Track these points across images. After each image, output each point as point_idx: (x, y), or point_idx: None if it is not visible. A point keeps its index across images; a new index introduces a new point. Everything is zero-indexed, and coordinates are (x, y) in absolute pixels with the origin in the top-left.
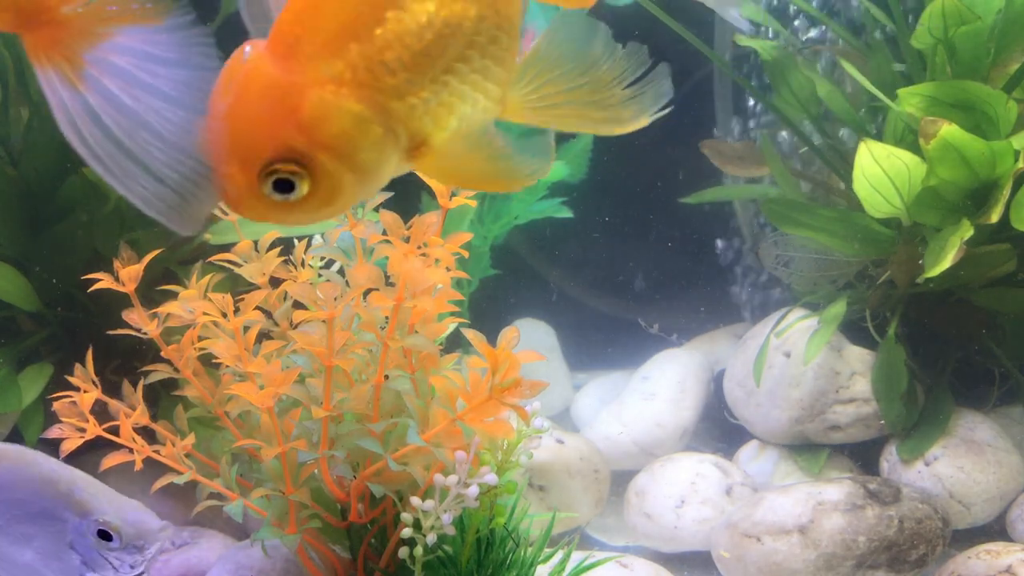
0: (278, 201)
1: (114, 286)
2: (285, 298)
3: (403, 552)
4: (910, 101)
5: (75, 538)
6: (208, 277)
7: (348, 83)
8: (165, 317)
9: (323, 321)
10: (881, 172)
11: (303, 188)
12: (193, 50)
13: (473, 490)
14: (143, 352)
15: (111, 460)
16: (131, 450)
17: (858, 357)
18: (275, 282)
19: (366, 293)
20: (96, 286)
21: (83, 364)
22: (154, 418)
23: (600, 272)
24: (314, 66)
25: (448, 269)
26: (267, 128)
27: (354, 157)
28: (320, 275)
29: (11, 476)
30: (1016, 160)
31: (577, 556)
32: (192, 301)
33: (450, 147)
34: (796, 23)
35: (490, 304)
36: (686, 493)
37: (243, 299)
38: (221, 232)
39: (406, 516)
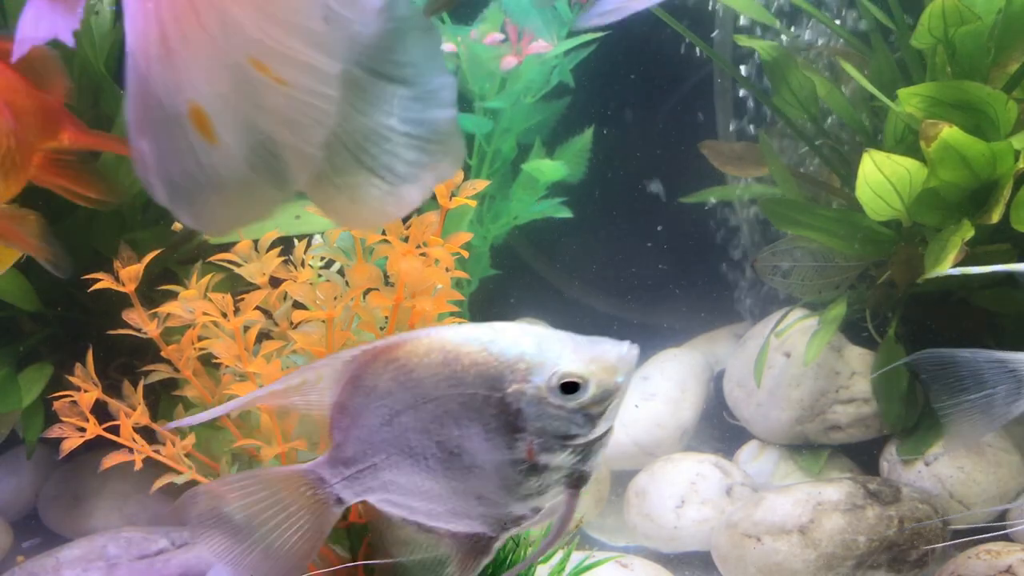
0: None
1: (114, 286)
2: (285, 298)
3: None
4: (910, 101)
5: (524, 408)
6: (208, 277)
7: None
8: (165, 317)
9: (323, 321)
10: (883, 178)
11: None
12: None
13: None
14: (143, 352)
15: (111, 460)
16: (131, 450)
17: (858, 357)
18: (275, 282)
19: (366, 293)
20: (96, 286)
21: (83, 364)
22: (154, 418)
23: (600, 272)
24: None
25: (448, 269)
26: None
27: None
28: (320, 275)
29: (425, 374)
30: (1016, 160)
31: (577, 556)
32: (192, 301)
33: None
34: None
35: (490, 304)
36: (686, 493)
37: (243, 299)
38: None
39: None
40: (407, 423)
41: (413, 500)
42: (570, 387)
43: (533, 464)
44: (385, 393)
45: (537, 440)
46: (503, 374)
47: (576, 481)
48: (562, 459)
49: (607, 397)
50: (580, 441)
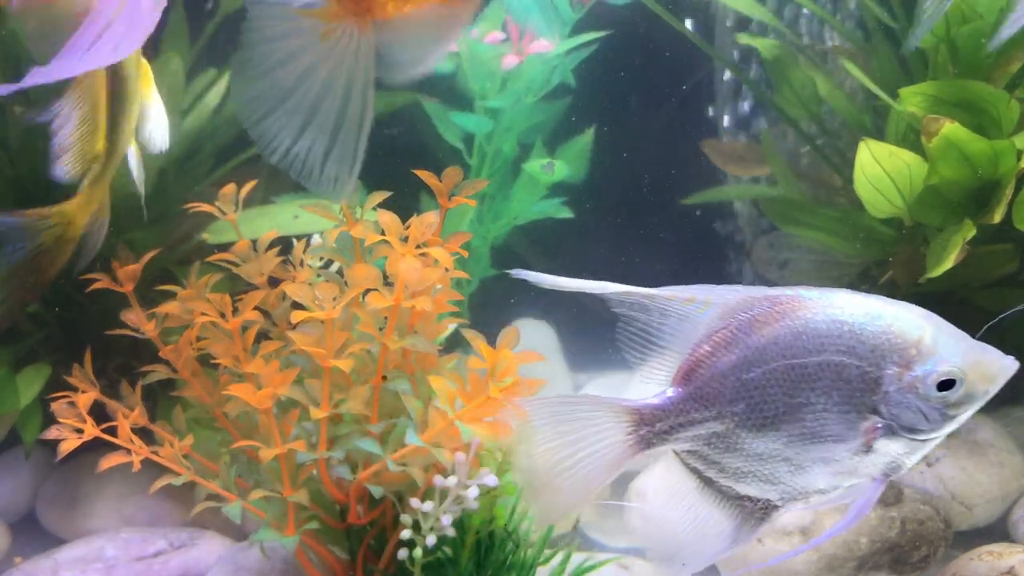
0: None
1: (112, 286)
2: (284, 298)
3: (402, 553)
4: (912, 100)
5: (891, 392)
6: (206, 277)
7: None
8: (163, 317)
9: (321, 321)
10: (882, 172)
11: None
12: None
13: (473, 491)
14: (142, 352)
15: (109, 461)
16: (129, 451)
17: None
18: (274, 282)
19: (365, 293)
20: (94, 286)
21: (81, 364)
22: (152, 419)
23: (600, 272)
24: None
25: (447, 269)
26: None
27: None
28: (319, 275)
29: (814, 334)
30: (1018, 160)
31: (578, 557)
32: (190, 301)
33: None
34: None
35: (490, 304)
36: None
37: (241, 299)
38: (219, 232)
39: (405, 517)
40: (774, 378)
41: (729, 457)
42: (945, 384)
43: (867, 446)
44: (765, 343)
45: (883, 424)
46: (891, 354)
47: (890, 472)
48: (894, 448)
49: (970, 402)
50: (920, 437)
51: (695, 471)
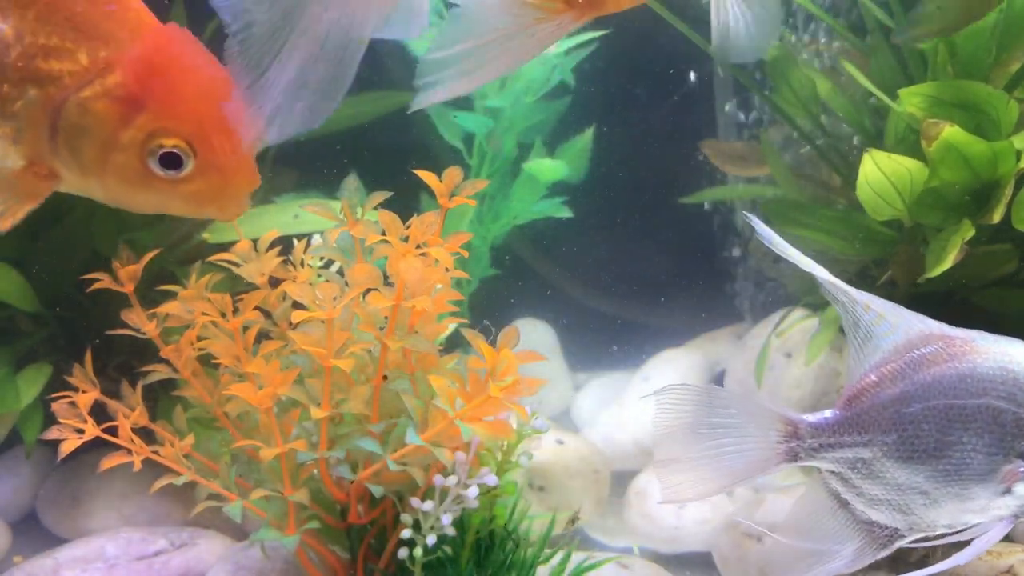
0: None
1: (113, 286)
2: (284, 298)
3: (403, 553)
4: (911, 101)
5: None
6: (207, 277)
7: None
8: (164, 317)
9: (322, 321)
10: (883, 177)
11: None
12: None
13: (473, 491)
14: (142, 352)
15: (110, 461)
16: (130, 451)
17: None
18: (274, 282)
19: (365, 293)
20: (95, 286)
21: (82, 364)
22: (153, 418)
23: (600, 272)
24: None
25: (448, 269)
26: None
27: None
28: (319, 275)
29: (979, 377)
30: (1017, 160)
31: (577, 557)
32: (191, 301)
33: None
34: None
35: (490, 304)
36: None
37: (242, 299)
38: (220, 232)
39: (405, 517)
40: (931, 414)
41: (869, 483)
42: None
43: (1006, 488)
44: (930, 381)
45: None
46: None
47: (1019, 514)
48: None
49: None
50: None
51: (833, 492)
